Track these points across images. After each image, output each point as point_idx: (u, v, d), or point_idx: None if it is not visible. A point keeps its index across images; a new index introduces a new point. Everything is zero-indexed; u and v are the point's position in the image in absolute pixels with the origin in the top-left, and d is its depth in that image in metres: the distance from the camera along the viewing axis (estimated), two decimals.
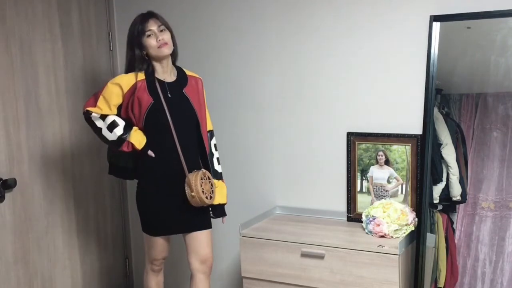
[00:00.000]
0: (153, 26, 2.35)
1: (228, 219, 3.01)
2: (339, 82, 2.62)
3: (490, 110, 2.32)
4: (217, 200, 2.45)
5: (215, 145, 2.54)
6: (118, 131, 2.34)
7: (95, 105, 2.36)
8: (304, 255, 2.37)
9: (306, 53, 2.68)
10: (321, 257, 2.33)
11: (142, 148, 2.35)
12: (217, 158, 2.54)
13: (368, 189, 2.59)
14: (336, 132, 2.64)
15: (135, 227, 3.31)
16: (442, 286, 2.39)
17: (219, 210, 2.50)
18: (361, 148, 2.58)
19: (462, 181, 2.37)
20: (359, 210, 2.60)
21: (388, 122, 2.52)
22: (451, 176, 2.37)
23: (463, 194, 2.38)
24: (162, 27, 2.36)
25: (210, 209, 2.48)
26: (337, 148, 2.65)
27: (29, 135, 2.63)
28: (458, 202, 2.39)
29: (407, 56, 2.44)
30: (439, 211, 2.41)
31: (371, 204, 2.54)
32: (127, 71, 2.40)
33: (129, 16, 3.16)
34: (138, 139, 2.35)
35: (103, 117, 2.37)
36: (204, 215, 2.46)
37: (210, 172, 2.44)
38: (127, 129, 2.36)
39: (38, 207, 2.69)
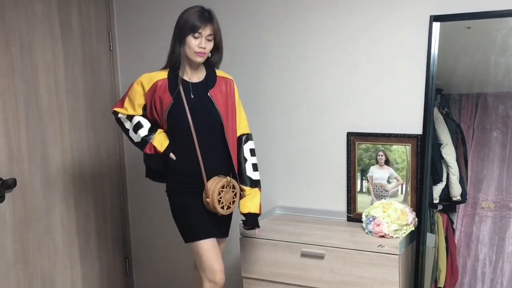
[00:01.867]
0: (205, 31, 2.22)
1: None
2: (339, 82, 2.62)
3: (490, 110, 2.32)
4: (247, 209, 2.33)
5: (251, 150, 2.39)
6: (142, 132, 2.30)
7: (122, 106, 2.34)
8: (304, 255, 2.37)
9: (306, 53, 2.68)
10: (321, 257, 2.33)
11: (164, 151, 2.28)
12: (253, 164, 2.38)
13: (368, 189, 2.59)
14: (336, 132, 2.64)
15: (135, 227, 3.31)
16: (442, 286, 2.39)
17: (251, 220, 2.36)
18: (361, 148, 2.58)
19: (462, 181, 2.37)
20: (359, 210, 2.60)
21: (388, 122, 2.52)
22: (451, 176, 2.37)
23: (463, 194, 2.38)
24: (211, 37, 2.24)
25: (242, 218, 2.38)
26: (337, 148, 2.65)
27: (29, 135, 2.63)
28: (458, 202, 2.39)
29: (407, 56, 2.44)
30: (439, 211, 2.41)
31: (371, 204, 2.54)
32: (168, 59, 2.31)
33: (129, 16, 3.18)
34: (160, 141, 2.28)
35: (130, 117, 2.33)
36: (228, 221, 2.39)
37: (238, 179, 2.34)
38: (152, 131, 2.30)
39: (38, 207, 2.69)
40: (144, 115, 2.34)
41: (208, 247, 2.29)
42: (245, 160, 2.37)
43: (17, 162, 2.56)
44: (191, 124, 2.25)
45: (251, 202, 2.35)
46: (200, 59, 2.25)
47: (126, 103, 2.33)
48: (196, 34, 2.21)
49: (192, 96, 2.28)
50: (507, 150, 2.30)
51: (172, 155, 2.28)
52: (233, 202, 2.29)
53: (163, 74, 2.30)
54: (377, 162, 2.55)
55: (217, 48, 2.31)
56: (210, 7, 2.92)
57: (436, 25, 2.31)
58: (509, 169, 2.30)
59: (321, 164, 2.71)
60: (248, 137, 2.40)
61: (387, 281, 2.21)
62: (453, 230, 2.41)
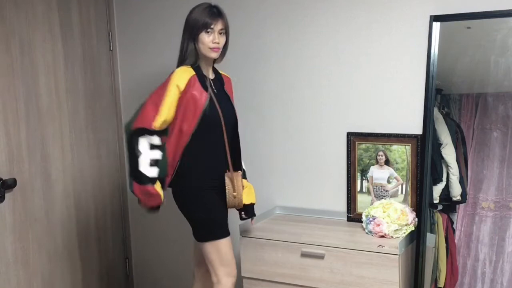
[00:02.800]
0: (217, 26, 2.24)
1: (229, 219, 3.02)
2: (339, 82, 2.62)
3: (490, 110, 2.32)
4: (249, 200, 2.38)
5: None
6: (156, 171, 2.19)
7: (154, 119, 2.17)
8: (304, 255, 2.37)
9: (306, 53, 2.68)
10: (321, 257, 2.33)
11: (157, 206, 2.23)
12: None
13: (368, 189, 2.59)
14: (336, 132, 2.64)
15: (135, 227, 3.31)
16: (442, 286, 2.39)
17: (251, 210, 2.42)
18: (361, 148, 2.58)
19: (462, 181, 2.37)
20: (359, 210, 2.60)
21: (388, 122, 2.52)
22: (451, 176, 2.37)
23: (463, 194, 2.38)
24: (223, 31, 2.27)
25: (242, 210, 2.40)
26: (337, 148, 2.65)
27: (29, 135, 2.63)
28: (458, 202, 2.40)
29: (407, 56, 2.44)
30: (439, 211, 2.41)
31: (371, 204, 2.54)
32: (181, 56, 2.29)
33: (129, 16, 3.17)
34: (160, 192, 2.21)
35: (152, 137, 2.19)
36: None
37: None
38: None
39: (38, 207, 2.69)
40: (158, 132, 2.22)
41: (229, 244, 2.31)
42: (240, 155, 2.44)
43: (17, 162, 2.56)
44: (221, 118, 2.26)
45: (250, 193, 2.40)
46: (214, 55, 2.26)
47: (164, 110, 2.18)
48: (209, 30, 2.22)
49: (215, 91, 2.30)
50: (507, 150, 2.30)
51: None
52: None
53: (191, 71, 2.26)
54: (377, 162, 2.55)
55: (225, 45, 2.33)
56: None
57: (436, 25, 2.31)
58: (509, 169, 2.30)
59: (321, 164, 2.71)
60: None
61: (387, 281, 2.21)
62: (453, 230, 2.41)
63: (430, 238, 2.36)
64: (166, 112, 2.19)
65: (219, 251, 2.28)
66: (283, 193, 2.83)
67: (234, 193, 2.25)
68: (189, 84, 2.22)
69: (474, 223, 2.38)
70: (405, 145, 2.47)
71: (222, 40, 2.27)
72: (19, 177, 2.56)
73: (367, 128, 2.57)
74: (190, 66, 2.28)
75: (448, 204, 2.41)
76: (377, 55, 2.51)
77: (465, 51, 2.32)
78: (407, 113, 2.46)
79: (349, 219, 2.63)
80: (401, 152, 2.49)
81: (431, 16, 2.33)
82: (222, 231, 2.30)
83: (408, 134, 2.46)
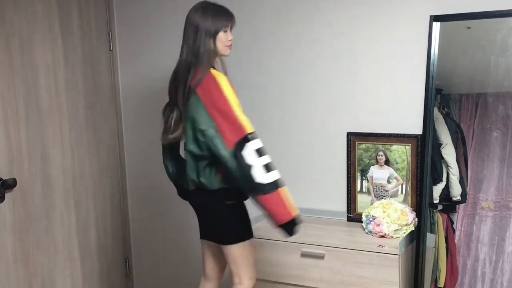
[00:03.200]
0: (232, 24, 2.21)
1: None
2: (339, 82, 2.62)
3: (490, 110, 2.32)
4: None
5: None
6: (275, 173, 2.01)
7: (236, 122, 2.03)
8: (304, 255, 2.37)
9: (306, 53, 2.68)
10: (321, 257, 2.33)
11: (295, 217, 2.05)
12: None
13: (368, 189, 2.59)
14: (336, 132, 2.65)
15: (135, 227, 3.31)
16: (442, 286, 2.39)
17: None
18: (361, 148, 2.58)
19: (462, 181, 2.37)
20: (359, 210, 2.60)
21: (388, 122, 2.52)
22: (451, 176, 2.38)
23: (463, 194, 2.38)
24: (232, 29, 2.22)
25: None
26: (337, 148, 2.65)
27: (29, 135, 2.63)
28: (458, 202, 2.40)
29: (407, 56, 2.44)
30: (439, 211, 2.41)
31: (371, 204, 2.54)
32: (207, 58, 2.15)
33: (129, 16, 3.17)
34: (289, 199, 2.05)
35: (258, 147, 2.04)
36: None
37: None
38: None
39: (38, 207, 2.69)
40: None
41: (254, 246, 2.29)
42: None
43: (17, 162, 2.56)
44: None
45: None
46: (229, 52, 2.21)
47: (238, 111, 2.05)
48: (226, 29, 2.17)
49: None
50: (507, 150, 2.30)
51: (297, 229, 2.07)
52: None
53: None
54: (377, 162, 2.55)
55: None
56: None
57: (436, 25, 2.31)
58: (509, 169, 2.30)
59: (321, 164, 2.71)
60: None
61: (387, 281, 2.21)
62: (453, 230, 2.41)
63: (430, 238, 2.36)
64: (240, 111, 2.07)
65: (247, 253, 2.25)
66: None
67: None
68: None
69: (474, 223, 2.38)
70: (405, 145, 2.47)
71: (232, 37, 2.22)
72: (19, 177, 2.56)
73: (367, 128, 2.57)
74: (213, 68, 2.17)
75: (448, 204, 2.41)
76: (377, 55, 2.51)
77: (465, 51, 2.32)
78: (407, 113, 2.46)
79: (349, 219, 2.63)
80: (401, 152, 2.49)
81: (431, 16, 2.33)
82: (251, 232, 2.26)
83: (408, 134, 2.46)
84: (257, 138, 2.04)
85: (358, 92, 2.58)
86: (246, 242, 2.25)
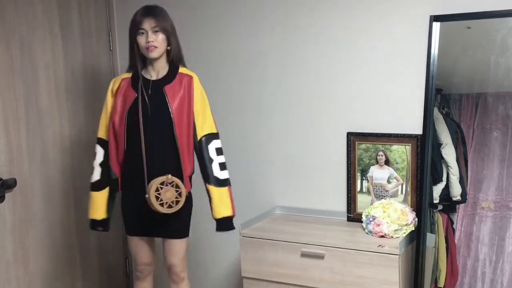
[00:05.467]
0: (146, 25, 2.22)
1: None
2: (339, 82, 2.62)
3: (490, 110, 2.32)
4: (220, 214, 2.33)
5: (217, 149, 2.34)
6: (94, 176, 2.44)
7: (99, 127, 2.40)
8: (304, 255, 2.37)
9: (306, 53, 2.68)
10: (321, 257, 2.33)
11: (93, 221, 2.44)
12: (220, 164, 2.34)
13: (368, 189, 2.59)
14: (336, 132, 2.64)
15: None
16: (442, 286, 2.39)
17: (226, 224, 2.35)
18: (361, 148, 2.58)
19: (462, 181, 2.37)
20: (359, 210, 2.60)
21: (388, 122, 2.52)
22: (451, 176, 2.37)
23: (463, 194, 2.38)
24: (157, 28, 2.22)
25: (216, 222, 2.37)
26: (337, 148, 2.65)
27: (29, 135, 2.63)
28: (458, 202, 2.40)
29: (407, 56, 2.44)
30: (439, 211, 2.41)
31: (371, 204, 2.54)
32: (129, 62, 2.36)
33: (129, 16, 3.16)
34: (97, 206, 2.43)
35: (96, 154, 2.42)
36: (173, 223, 2.32)
37: (205, 180, 2.33)
38: (102, 179, 2.41)
39: (38, 207, 2.69)
40: (105, 143, 2.37)
41: (134, 243, 2.46)
42: (211, 160, 2.32)
43: (17, 162, 2.56)
44: (140, 120, 2.22)
45: (222, 205, 2.33)
46: (153, 54, 2.23)
47: (102, 119, 2.38)
48: (141, 31, 2.22)
49: (150, 92, 2.25)
50: (507, 150, 2.30)
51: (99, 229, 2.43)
52: (178, 201, 2.22)
53: (128, 75, 2.34)
54: (377, 162, 2.55)
55: (169, 43, 2.28)
56: (207, 8, 2.94)
57: (436, 25, 2.31)
58: (509, 169, 2.30)
59: (321, 164, 2.71)
60: (214, 136, 2.34)
61: (387, 281, 2.21)
62: (453, 230, 2.41)
63: (430, 238, 2.36)
64: (104, 121, 2.38)
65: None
66: (284, 193, 2.83)
67: (146, 196, 2.21)
68: (121, 85, 2.32)
69: (474, 223, 2.38)
70: (405, 145, 2.47)
71: (158, 37, 2.22)
72: (19, 177, 2.56)
73: (367, 128, 2.57)
74: (131, 71, 2.35)
75: (448, 204, 2.41)
76: (377, 55, 2.51)
77: (465, 51, 2.32)
78: (407, 113, 2.46)
79: (349, 219, 2.63)
80: (401, 152, 2.49)
81: (431, 16, 2.33)
82: (127, 228, 2.46)
83: (408, 134, 2.46)
84: None
85: (358, 92, 2.58)
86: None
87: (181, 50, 2.35)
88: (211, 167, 2.33)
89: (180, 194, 2.23)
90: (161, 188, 2.19)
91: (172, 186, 2.21)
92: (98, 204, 2.40)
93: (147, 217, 2.29)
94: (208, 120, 2.34)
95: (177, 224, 2.33)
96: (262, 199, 2.88)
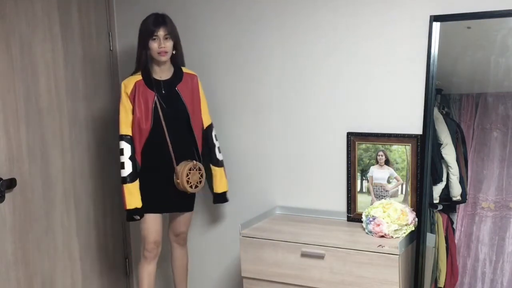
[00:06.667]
0: (160, 32, 2.57)
1: (228, 219, 3.02)
2: (339, 82, 2.62)
3: (490, 110, 2.32)
4: (221, 189, 2.78)
5: (215, 136, 2.78)
6: (125, 171, 2.61)
7: (124, 125, 2.62)
8: (304, 255, 2.37)
9: (306, 53, 2.68)
10: (321, 257, 2.33)
11: (130, 210, 2.60)
12: (219, 148, 2.78)
13: (368, 189, 2.59)
14: (336, 132, 2.64)
15: (135, 227, 3.31)
16: (442, 286, 2.39)
17: (222, 198, 2.80)
18: (361, 148, 2.58)
19: (462, 181, 2.37)
20: (359, 210, 2.60)
21: (388, 122, 2.52)
22: (451, 176, 2.37)
23: (463, 194, 2.38)
24: (168, 35, 2.58)
25: (213, 196, 2.80)
26: (337, 148, 2.65)
27: (29, 135, 2.63)
28: (458, 202, 2.39)
29: (407, 56, 2.44)
30: (439, 211, 2.41)
31: (371, 204, 2.54)
32: (137, 64, 2.65)
33: (129, 16, 3.18)
34: (133, 195, 2.59)
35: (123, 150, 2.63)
36: (190, 199, 2.75)
37: (211, 161, 2.76)
38: (132, 174, 2.61)
39: (38, 207, 2.69)
40: (129, 139, 2.61)
41: (151, 222, 2.72)
42: (214, 145, 2.77)
43: (17, 162, 2.56)
44: (161, 116, 2.58)
45: (221, 182, 2.78)
46: (164, 58, 2.59)
47: (122, 117, 2.61)
48: (154, 37, 2.56)
49: (163, 91, 2.61)
50: (507, 150, 2.30)
51: (136, 217, 2.62)
52: (200, 181, 2.66)
53: (138, 77, 2.62)
54: (377, 162, 2.55)
55: (176, 48, 2.64)
56: (207, 8, 2.95)
57: (436, 25, 2.31)
58: (509, 169, 2.30)
59: (321, 164, 2.71)
60: (212, 125, 2.78)
61: (387, 281, 2.21)
62: (453, 230, 2.41)
63: (430, 238, 2.36)
64: (126, 119, 2.64)
65: None
66: (283, 193, 2.83)
67: (178, 180, 2.61)
68: (136, 87, 2.59)
69: (474, 223, 2.38)
70: (405, 145, 2.47)
71: (168, 43, 2.59)
72: (19, 177, 2.56)
73: (367, 128, 2.57)
74: (139, 72, 2.63)
75: (448, 204, 2.41)
76: (377, 55, 2.51)
77: (465, 51, 2.32)
78: (407, 113, 2.46)
79: (349, 219, 2.63)
80: (401, 152, 2.49)
81: (431, 16, 2.33)
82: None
83: (408, 134, 2.46)
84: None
85: (358, 92, 2.58)
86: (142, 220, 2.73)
87: (183, 57, 2.73)
88: (214, 151, 2.76)
89: (201, 175, 2.67)
90: (189, 173, 2.61)
91: (197, 170, 2.64)
92: (135, 195, 2.59)
93: (167, 196, 2.67)
94: (207, 112, 2.77)
95: (191, 200, 2.77)
96: (262, 199, 2.88)
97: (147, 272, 2.73)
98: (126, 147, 2.59)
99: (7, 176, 2.49)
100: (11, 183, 2.50)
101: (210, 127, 2.77)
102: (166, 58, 2.60)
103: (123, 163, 2.59)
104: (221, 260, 3.06)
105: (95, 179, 3.06)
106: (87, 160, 2.99)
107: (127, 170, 2.58)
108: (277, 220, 2.72)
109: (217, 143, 2.77)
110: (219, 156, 2.78)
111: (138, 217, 2.61)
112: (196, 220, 3.00)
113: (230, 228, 2.95)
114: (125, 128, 2.60)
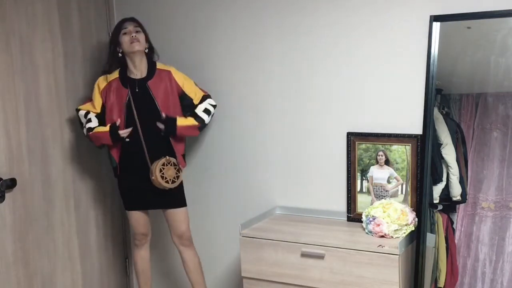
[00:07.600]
0: (129, 26, 2.65)
1: (228, 219, 3.02)
2: (339, 82, 2.62)
3: (490, 110, 2.32)
4: (178, 121, 2.66)
5: (210, 104, 2.74)
6: (91, 124, 2.68)
7: (84, 104, 2.79)
8: (304, 255, 2.37)
9: (306, 53, 2.68)
10: (321, 257, 2.33)
11: (111, 130, 2.62)
12: (206, 109, 2.72)
13: (368, 189, 2.59)
14: (336, 132, 2.64)
15: None
16: (442, 286, 2.39)
17: (170, 122, 2.64)
18: (361, 148, 2.58)
19: (462, 181, 2.37)
20: (359, 210, 2.60)
21: (388, 122, 2.52)
22: (451, 176, 2.37)
23: (463, 194, 2.38)
24: (138, 28, 2.67)
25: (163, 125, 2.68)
26: (337, 148, 2.65)
27: (29, 135, 2.63)
28: (458, 202, 2.40)
29: (407, 56, 2.44)
30: (439, 211, 2.41)
31: (371, 204, 2.54)
32: (107, 65, 2.73)
33: (129, 16, 3.17)
34: (101, 128, 2.65)
35: (87, 114, 2.73)
36: (175, 195, 2.73)
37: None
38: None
39: (38, 207, 2.69)
40: (100, 115, 2.70)
41: (135, 217, 2.82)
42: (196, 106, 2.72)
43: (17, 162, 2.56)
44: (135, 115, 2.62)
45: (185, 121, 2.67)
46: (137, 46, 2.62)
47: (88, 102, 2.78)
48: (124, 30, 2.64)
49: (137, 90, 2.65)
50: (507, 150, 2.30)
51: (122, 132, 2.61)
52: (177, 176, 2.66)
53: (115, 74, 2.70)
54: (377, 162, 2.55)
55: (148, 42, 2.70)
56: (206, 8, 2.95)
57: (436, 25, 2.31)
58: (509, 169, 2.30)
59: (321, 164, 2.71)
60: (207, 96, 2.76)
61: (387, 281, 2.21)
62: (453, 230, 2.41)
63: (430, 238, 2.36)
64: (90, 105, 2.77)
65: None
66: (283, 193, 2.83)
67: (152, 177, 2.62)
68: (109, 85, 2.68)
69: (474, 223, 2.38)
70: (405, 145, 2.47)
71: (139, 35, 2.65)
72: (19, 177, 2.56)
73: (367, 128, 2.57)
74: (116, 71, 2.70)
75: (448, 204, 2.41)
76: (377, 55, 2.51)
77: (465, 51, 2.32)
78: (407, 113, 2.46)
79: (349, 219, 2.63)
80: (401, 152, 2.49)
81: (431, 16, 2.33)
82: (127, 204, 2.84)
83: (408, 134, 2.46)
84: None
85: (358, 92, 2.58)
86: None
87: (156, 51, 2.78)
88: (196, 107, 2.71)
89: (178, 170, 2.67)
90: (163, 168, 2.61)
91: (171, 165, 2.64)
92: (104, 128, 2.65)
93: (147, 194, 2.70)
94: (198, 92, 2.75)
95: (178, 195, 2.75)
96: (262, 199, 2.88)
97: (140, 256, 2.88)
98: (81, 113, 2.74)
99: (7, 176, 2.50)
100: (11, 183, 2.50)
101: (203, 99, 2.73)
102: (139, 46, 2.62)
103: (89, 119, 2.68)
104: (221, 260, 3.06)
105: (95, 179, 3.06)
106: (87, 160, 2.99)
107: (93, 124, 2.68)
108: (277, 220, 2.72)
109: (204, 104, 2.72)
110: (201, 114, 2.70)
111: (124, 132, 2.62)
112: (196, 220, 3.00)
113: (230, 228, 2.95)
114: (83, 106, 2.77)
